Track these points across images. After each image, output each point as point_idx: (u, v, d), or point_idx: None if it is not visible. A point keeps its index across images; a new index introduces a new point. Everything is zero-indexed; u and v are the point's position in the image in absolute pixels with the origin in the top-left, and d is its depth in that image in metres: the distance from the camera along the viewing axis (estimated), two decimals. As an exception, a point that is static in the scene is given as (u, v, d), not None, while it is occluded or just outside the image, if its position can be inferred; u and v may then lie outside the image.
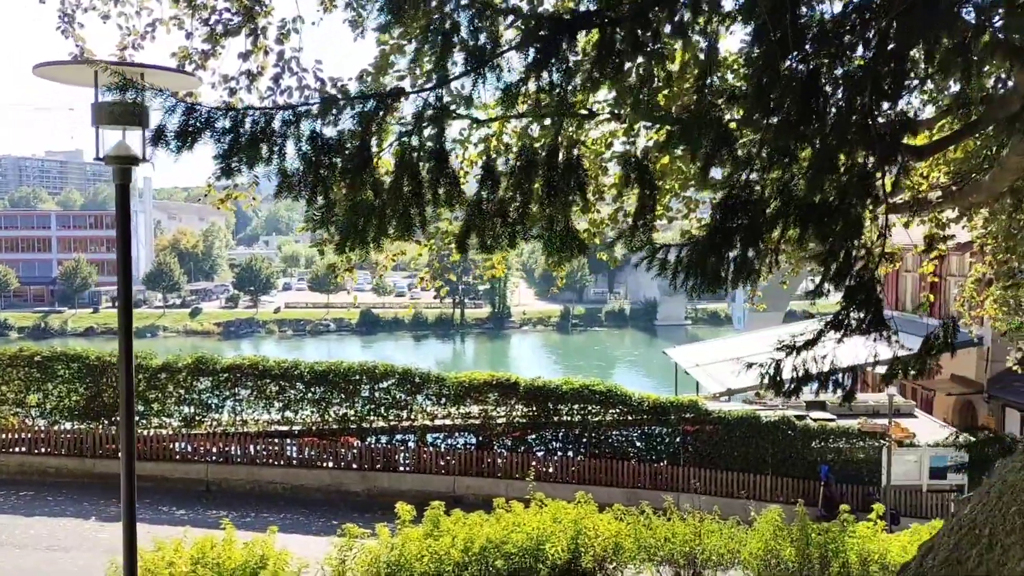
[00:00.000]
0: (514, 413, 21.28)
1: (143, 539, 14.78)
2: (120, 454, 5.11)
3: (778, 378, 4.60)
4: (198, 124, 3.44)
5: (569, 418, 21.27)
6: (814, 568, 9.02)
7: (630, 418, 21.38)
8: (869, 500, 20.61)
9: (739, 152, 3.79)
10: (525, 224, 3.79)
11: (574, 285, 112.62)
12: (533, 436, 21.46)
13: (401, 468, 20.78)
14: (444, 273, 9.27)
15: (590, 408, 21.23)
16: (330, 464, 20.51)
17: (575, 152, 3.90)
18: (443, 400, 21.28)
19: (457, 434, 21.55)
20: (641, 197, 4.08)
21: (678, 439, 21.45)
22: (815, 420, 22.35)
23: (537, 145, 4.94)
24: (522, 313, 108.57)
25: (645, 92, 3.87)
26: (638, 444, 21.66)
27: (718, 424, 21.49)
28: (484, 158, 5.06)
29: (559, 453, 21.37)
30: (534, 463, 20.68)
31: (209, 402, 21.00)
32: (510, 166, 3.96)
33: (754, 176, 3.87)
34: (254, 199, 7.30)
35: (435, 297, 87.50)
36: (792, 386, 4.61)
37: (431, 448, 21.15)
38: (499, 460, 20.79)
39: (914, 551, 9.10)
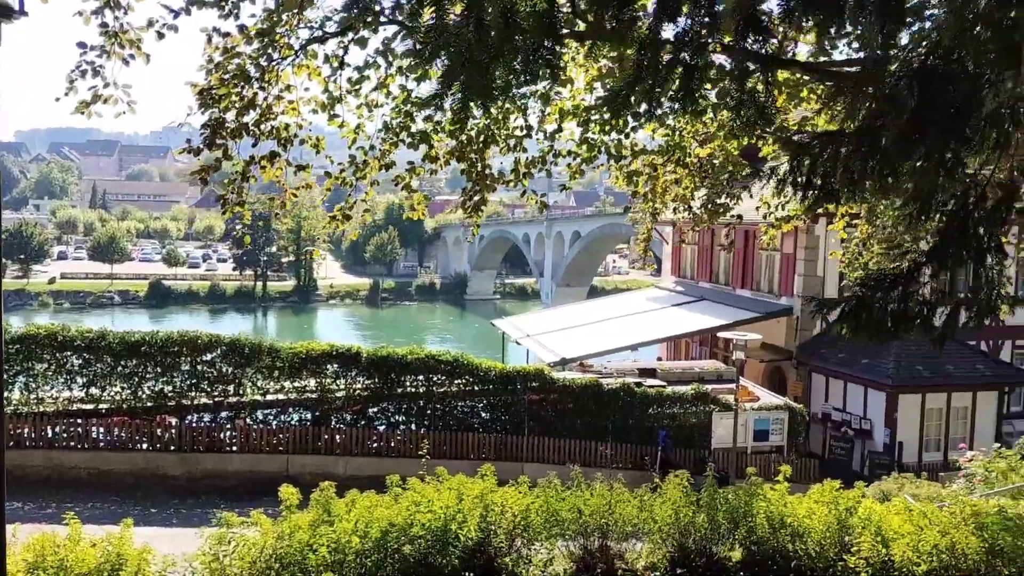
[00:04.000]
0: (355, 385, 19.96)
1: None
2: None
3: (863, 317, 3.96)
4: None
5: (414, 389, 20.25)
6: (722, 533, 8.76)
7: (476, 388, 20.71)
8: (702, 463, 21.36)
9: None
10: (705, 75, 2.77)
11: (384, 258, 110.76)
12: (375, 409, 20.28)
13: (227, 448, 18.94)
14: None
15: (435, 378, 20.33)
16: (144, 446, 18.30)
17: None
18: (276, 373, 19.56)
19: (291, 409, 19.95)
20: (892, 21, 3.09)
21: (523, 409, 21.06)
22: (650, 388, 22.82)
23: None
24: (329, 286, 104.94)
25: None
26: (483, 415, 21.07)
27: (562, 392, 21.33)
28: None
29: (402, 426, 20.34)
30: (375, 437, 19.57)
31: (-5, 378, 18.00)
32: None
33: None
34: (129, 104, 5.71)
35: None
36: (885, 327, 3.98)
37: (261, 425, 19.46)
38: (337, 436, 19.44)
39: (821, 512, 9.10)
